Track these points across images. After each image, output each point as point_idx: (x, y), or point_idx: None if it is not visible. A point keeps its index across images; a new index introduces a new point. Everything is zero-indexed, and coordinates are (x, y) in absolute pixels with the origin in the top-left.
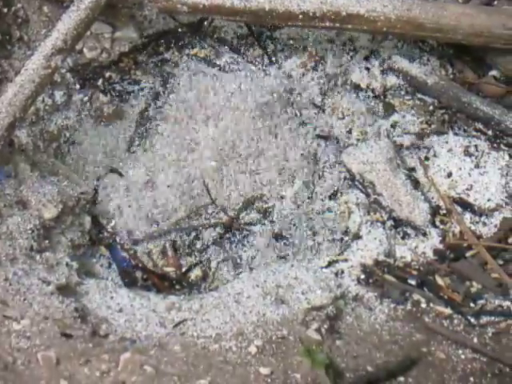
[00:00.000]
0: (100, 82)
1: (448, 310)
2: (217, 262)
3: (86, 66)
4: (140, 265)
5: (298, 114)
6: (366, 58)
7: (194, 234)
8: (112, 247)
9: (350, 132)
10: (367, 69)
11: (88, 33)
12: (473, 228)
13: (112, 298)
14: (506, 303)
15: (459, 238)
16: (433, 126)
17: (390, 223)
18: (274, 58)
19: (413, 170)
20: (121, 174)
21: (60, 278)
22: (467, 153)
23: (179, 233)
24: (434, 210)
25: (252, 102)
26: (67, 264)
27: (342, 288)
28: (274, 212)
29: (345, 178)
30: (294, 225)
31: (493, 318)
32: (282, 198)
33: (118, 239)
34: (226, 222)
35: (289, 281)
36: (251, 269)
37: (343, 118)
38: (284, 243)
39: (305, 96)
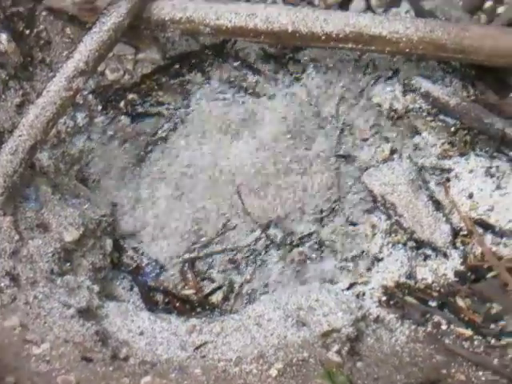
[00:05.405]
0: (122, 103)
1: (468, 332)
2: (238, 285)
3: (108, 88)
4: (161, 288)
5: (321, 135)
6: (389, 79)
7: (215, 256)
8: (133, 270)
9: (372, 153)
10: (390, 90)
11: (110, 54)
12: (494, 249)
13: (133, 321)
14: None
15: (480, 259)
16: (455, 147)
17: (411, 245)
18: (297, 79)
19: (434, 191)
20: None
21: (81, 301)
22: (489, 174)
23: (200, 256)
24: (455, 232)
25: (275, 123)
26: (88, 287)
27: (363, 310)
28: (297, 233)
29: (366, 200)
30: (316, 246)
31: None
32: (304, 218)
33: (139, 262)
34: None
35: (310, 303)
36: (273, 291)
37: (365, 139)
38: (307, 264)
39: (327, 116)
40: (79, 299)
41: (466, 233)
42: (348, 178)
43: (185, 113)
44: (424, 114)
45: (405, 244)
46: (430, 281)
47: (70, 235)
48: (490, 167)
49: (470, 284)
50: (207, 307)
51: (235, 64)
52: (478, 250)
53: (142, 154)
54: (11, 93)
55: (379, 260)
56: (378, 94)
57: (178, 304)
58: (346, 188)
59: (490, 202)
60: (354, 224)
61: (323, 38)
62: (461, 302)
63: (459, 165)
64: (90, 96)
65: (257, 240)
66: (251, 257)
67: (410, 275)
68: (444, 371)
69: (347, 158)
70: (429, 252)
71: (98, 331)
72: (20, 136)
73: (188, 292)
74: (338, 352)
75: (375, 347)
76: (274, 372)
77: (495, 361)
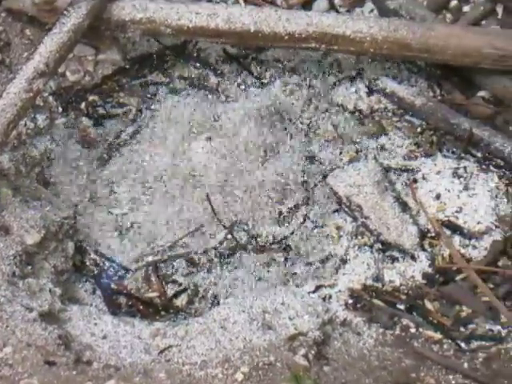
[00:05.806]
0: (83, 105)
1: (437, 335)
2: (203, 288)
3: (68, 89)
4: (125, 291)
5: (286, 136)
6: (353, 79)
7: (180, 259)
8: (96, 273)
9: (337, 154)
10: (354, 90)
11: (71, 55)
12: (462, 251)
13: (96, 324)
14: (497, 327)
15: (448, 261)
16: (421, 148)
17: (377, 247)
18: (259, 80)
19: (401, 192)
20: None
21: (43, 304)
22: (456, 175)
23: (165, 258)
24: (423, 233)
25: (238, 124)
26: (50, 290)
27: (330, 313)
28: (262, 235)
29: (332, 201)
30: (282, 248)
31: (483, 342)
32: (269, 220)
33: (102, 265)
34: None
35: (276, 306)
36: (238, 294)
37: (330, 140)
38: (273, 267)
39: (292, 118)
40: (41, 302)
41: (433, 234)
42: (313, 179)
43: (146, 114)
44: (389, 114)
45: (371, 246)
46: (397, 283)
47: (32, 238)
48: (458, 168)
49: (439, 286)
50: (171, 310)
51: (197, 65)
52: (447, 252)
53: (105, 156)
54: None
55: (345, 262)
56: (342, 95)
57: (141, 307)
58: (312, 189)
59: (458, 203)
60: (319, 226)
61: (286, 37)
62: (429, 305)
63: (426, 165)
64: (51, 97)
65: (222, 242)
66: (216, 259)
67: (378, 278)
68: (413, 375)
69: (312, 159)
70: (396, 254)
71: (61, 335)
72: None
73: (152, 295)
74: (305, 356)
75: (343, 351)
76: (239, 376)
77: (465, 364)
